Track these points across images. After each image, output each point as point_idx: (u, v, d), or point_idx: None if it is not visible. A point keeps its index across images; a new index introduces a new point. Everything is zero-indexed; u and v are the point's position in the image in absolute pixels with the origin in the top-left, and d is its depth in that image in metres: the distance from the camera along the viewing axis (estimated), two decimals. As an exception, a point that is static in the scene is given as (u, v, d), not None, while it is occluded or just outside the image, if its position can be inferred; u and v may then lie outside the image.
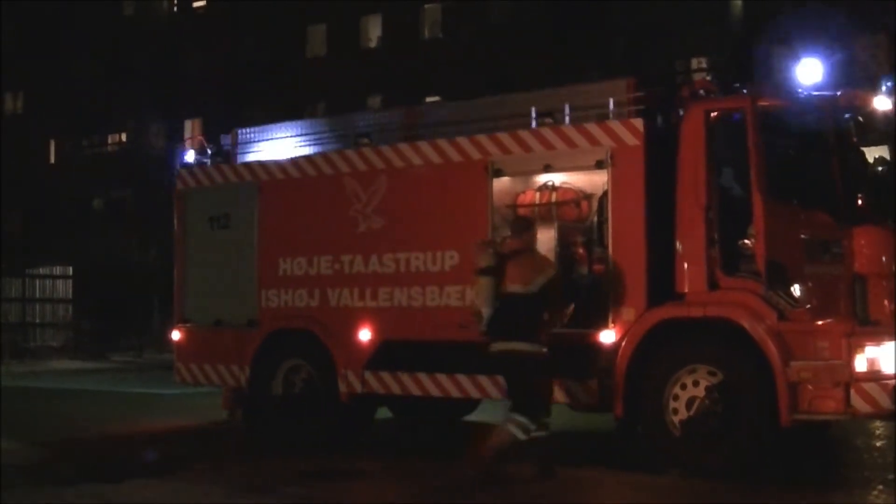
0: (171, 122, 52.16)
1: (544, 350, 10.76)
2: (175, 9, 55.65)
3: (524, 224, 11.27)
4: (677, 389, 10.88)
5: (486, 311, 10.76)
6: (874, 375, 10.21)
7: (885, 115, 11.04)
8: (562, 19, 40.28)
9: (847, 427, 13.34)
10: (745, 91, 11.18)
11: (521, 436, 10.56)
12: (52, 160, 59.17)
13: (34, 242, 51.00)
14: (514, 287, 10.72)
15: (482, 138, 12.36)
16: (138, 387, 23.82)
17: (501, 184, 12.35)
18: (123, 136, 56.88)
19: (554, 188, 12.15)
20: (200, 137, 21.51)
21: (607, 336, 11.24)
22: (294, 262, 13.75)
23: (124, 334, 38.25)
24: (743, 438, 10.50)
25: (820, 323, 10.43)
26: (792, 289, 10.56)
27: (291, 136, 14.58)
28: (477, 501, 10.15)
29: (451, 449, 13.38)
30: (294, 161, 13.98)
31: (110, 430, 15.53)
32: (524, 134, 12.12)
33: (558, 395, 11.36)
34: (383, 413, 14.60)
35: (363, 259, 13.14)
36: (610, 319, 11.28)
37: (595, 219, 11.82)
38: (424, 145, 12.86)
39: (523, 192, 12.37)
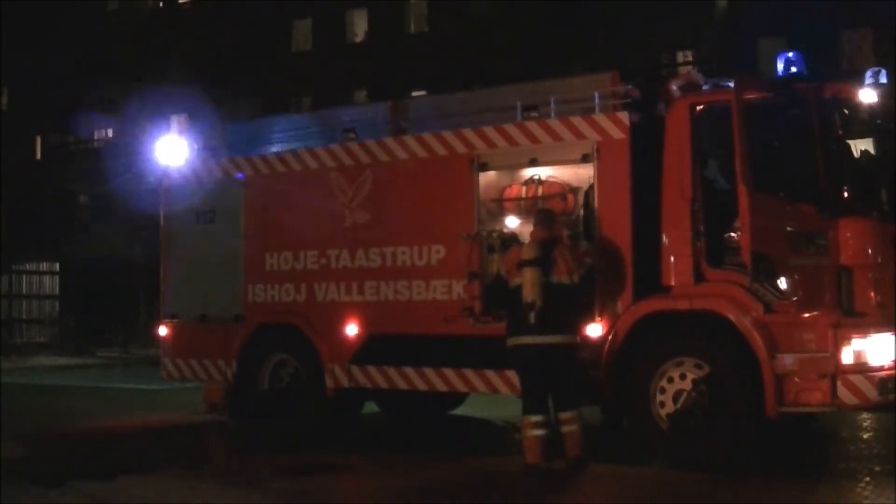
0: (157, 117, 52.00)
1: (578, 340, 10.85)
2: (160, 4, 55.49)
3: (550, 215, 11.17)
4: (664, 382, 10.88)
5: (539, 302, 10.55)
6: (860, 367, 10.22)
7: (870, 107, 11.05)
8: (546, 12, 40.26)
9: (833, 419, 13.37)
10: (729, 84, 11.17)
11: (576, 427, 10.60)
12: (38, 156, 58.99)
13: (20, 238, 50.84)
14: (561, 277, 10.64)
15: (467, 132, 12.35)
16: (124, 382, 23.78)
17: (487, 178, 12.35)
18: (109, 132, 56.71)
19: (540, 182, 12.15)
20: (186, 133, 21.48)
21: (594, 329, 11.25)
22: (280, 256, 13.74)
23: (110, 330, 38.15)
24: (729, 431, 10.50)
25: (806, 315, 10.43)
26: (778, 281, 10.58)
27: (277, 131, 14.54)
28: (463, 500, 10.12)
29: (438, 443, 13.40)
30: (279, 156, 13.95)
31: (96, 426, 15.49)
32: (509, 128, 12.11)
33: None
34: (370, 407, 14.60)
35: (349, 253, 13.13)
36: (596, 312, 11.28)
37: (581, 212, 11.81)
38: (410, 139, 12.85)
39: (509, 186, 12.38)
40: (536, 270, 10.58)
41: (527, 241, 11.06)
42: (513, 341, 10.73)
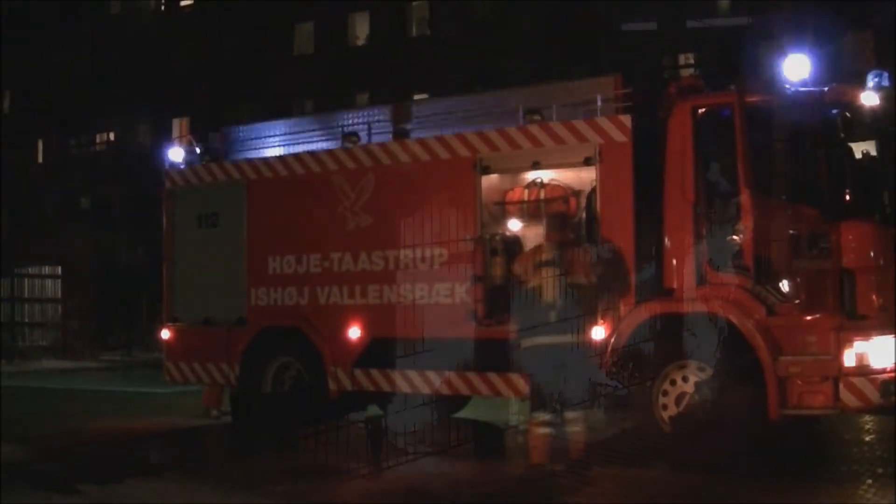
0: (159, 120, 52.02)
1: (589, 340, 10.90)
2: (162, 7, 55.51)
3: (564, 219, 11.22)
4: (667, 385, 10.90)
5: (557, 303, 10.53)
6: (863, 370, 10.24)
7: (872, 110, 11.05)
8: (547, 15, 40.26)
9: (835, 421, 13.36)
10: (732, 87, 11.18)
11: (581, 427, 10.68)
12: (41, 159, 59.01)
13: (22, 242, 50.86)
14: (578, 278, 10.66)
15: (470, 135, 12.36)
16: (127, 386, 23.76)
17: (490, 181, 12.37)
18: (111, 136, 56.73)
19: (542, 185, 12.17)
20: (188, 136, 21.50)
21: (597, 332, 11.25)
22: (283, 260, 13.75)
23: (113, 333, 38.13)
24: (732, 433, 10.50)
25: (808, 318, 10.45)
26: (780, 284, 10.59)
27: (279, 135, 14.57)
28: (465, 501, 10.14)
29: (440, 446, 13.39)
30: (282, 159, 13.97)
31: (99, 429, 15.48)
32: (512, 131, 12.13)
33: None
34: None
35: (352, 256, 13.14)
36: (599, 315, 11.29)
37: (583, 215, 11.83)
38: (412, 142, 12.87)
39: (511, 189, 12.39)
40: (554, 272, 10.57)
41: (543, 244, 10.99)
42: (528, 342, 10.71)
